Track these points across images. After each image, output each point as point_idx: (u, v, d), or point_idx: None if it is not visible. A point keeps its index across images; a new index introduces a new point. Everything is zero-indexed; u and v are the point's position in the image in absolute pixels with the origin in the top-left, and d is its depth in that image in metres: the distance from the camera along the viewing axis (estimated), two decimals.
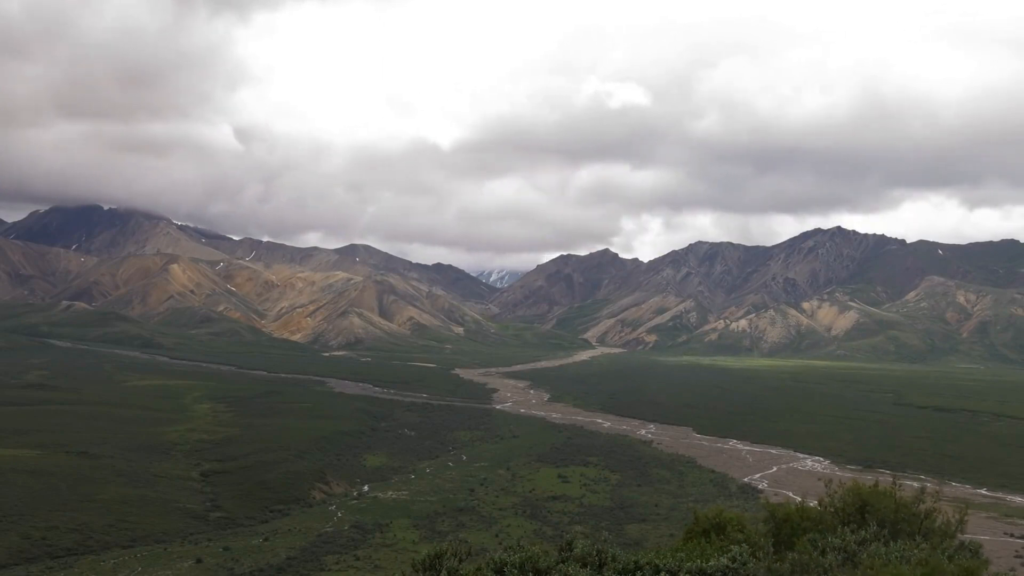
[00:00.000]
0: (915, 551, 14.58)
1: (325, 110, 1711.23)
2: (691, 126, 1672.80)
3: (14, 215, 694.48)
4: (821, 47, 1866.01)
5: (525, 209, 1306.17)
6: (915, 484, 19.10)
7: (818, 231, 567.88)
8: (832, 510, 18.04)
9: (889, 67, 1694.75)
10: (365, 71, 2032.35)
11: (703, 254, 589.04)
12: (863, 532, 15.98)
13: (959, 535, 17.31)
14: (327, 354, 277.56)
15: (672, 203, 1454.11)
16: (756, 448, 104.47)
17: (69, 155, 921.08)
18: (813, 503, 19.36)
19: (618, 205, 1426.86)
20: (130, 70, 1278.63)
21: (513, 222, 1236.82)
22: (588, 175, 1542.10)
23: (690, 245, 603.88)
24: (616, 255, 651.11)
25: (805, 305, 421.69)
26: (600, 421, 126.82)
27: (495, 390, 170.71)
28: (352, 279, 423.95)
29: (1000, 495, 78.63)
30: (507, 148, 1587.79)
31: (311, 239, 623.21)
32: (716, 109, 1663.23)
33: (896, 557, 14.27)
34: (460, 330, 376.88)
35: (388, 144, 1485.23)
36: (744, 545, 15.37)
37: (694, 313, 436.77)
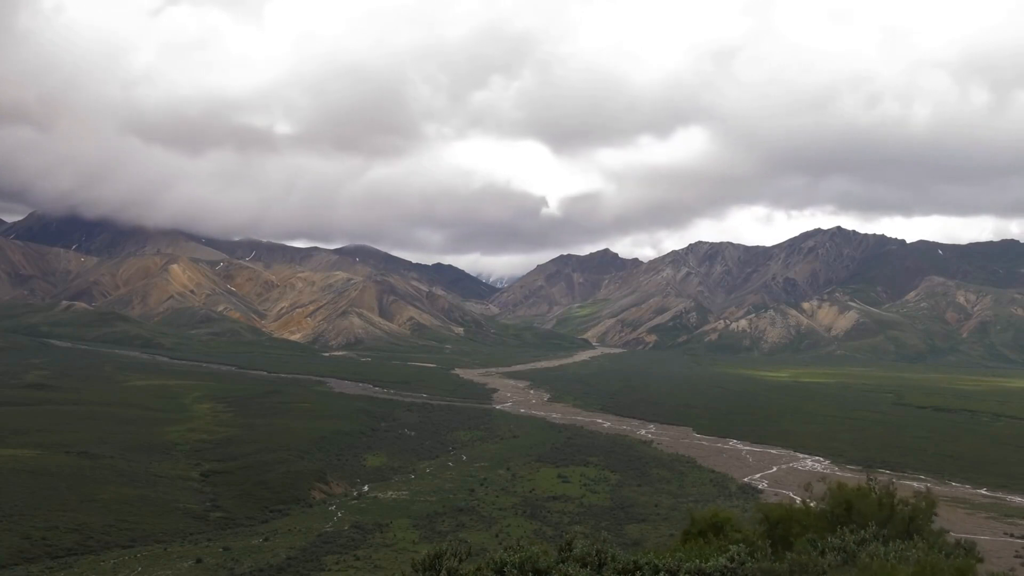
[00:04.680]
0: (913, 550, 14.61)
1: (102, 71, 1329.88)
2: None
3: (14, 215, 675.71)
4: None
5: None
6: (889, 477, 19.17)
7: (818, 231, 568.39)
8: (818, 511, 18.09)
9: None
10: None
11: (703, 254, 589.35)
12: (863, 532, 16.00)
13: (952, 534, 17.35)
14: (327, 354, 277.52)
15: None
16: (756, 448, 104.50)
17: None
18: (808, 504, 19.41)
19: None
20: None
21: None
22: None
23: (690, 245, 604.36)
24: (616, 255, 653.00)
25: (805, 305, 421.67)
26: (600, 421, 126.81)
27: (495, 390, 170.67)
28: (352, 279, 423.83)
29: (1000, 495, 78.60)
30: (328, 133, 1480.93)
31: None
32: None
33: (894, 557, 14.30)
34: (460, 330, 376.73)
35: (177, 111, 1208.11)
36: (742, 545, 15.40)
37: (694, 313, 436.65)
